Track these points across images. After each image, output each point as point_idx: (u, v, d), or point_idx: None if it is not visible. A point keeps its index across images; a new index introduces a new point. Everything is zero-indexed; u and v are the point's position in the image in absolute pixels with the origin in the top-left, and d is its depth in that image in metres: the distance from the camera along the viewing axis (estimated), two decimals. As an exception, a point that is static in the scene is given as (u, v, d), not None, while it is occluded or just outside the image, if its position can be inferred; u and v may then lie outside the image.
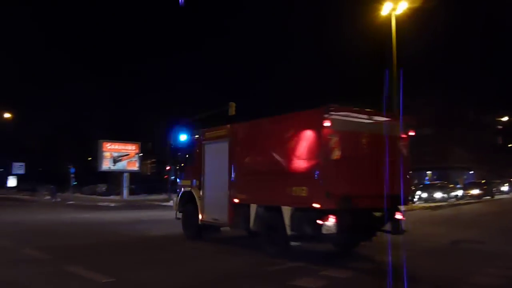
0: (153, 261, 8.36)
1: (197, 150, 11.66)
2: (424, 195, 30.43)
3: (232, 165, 10.19)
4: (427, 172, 53.05)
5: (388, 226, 8.70)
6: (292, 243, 8.77)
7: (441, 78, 45.07)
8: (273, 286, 6.17)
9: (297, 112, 8.99)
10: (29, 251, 9.10)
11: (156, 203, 30.15)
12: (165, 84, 56.91)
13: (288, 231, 8.43)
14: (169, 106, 45.42)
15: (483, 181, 39.82)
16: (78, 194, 38.84)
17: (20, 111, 48.23)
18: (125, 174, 35.74)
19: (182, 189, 12.20)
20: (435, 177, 50.01)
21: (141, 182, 41.04)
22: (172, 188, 31.77)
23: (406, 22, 23.75)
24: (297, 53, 53.32)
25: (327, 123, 7.95)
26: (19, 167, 44.29)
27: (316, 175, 7.97)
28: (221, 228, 11.14)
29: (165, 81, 60.23)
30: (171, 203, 29.00)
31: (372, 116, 8.82)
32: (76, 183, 40.09)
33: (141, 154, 38.07)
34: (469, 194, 34.28)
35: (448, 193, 31.57)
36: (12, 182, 46.77)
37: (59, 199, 33.69)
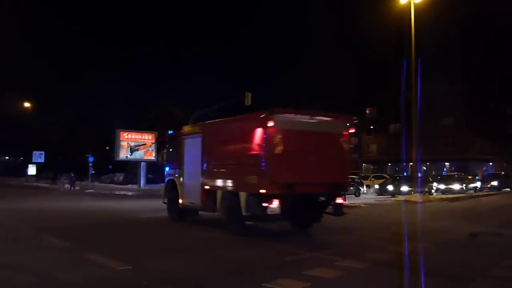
0: (170, 249, 8.46)
1: (179, 143, 13.42)
2: (442, 186, 30.10)
3: (204, 157, 11.87)
4: (445, 164, 52.43)
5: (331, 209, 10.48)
6: (247, 222, 10.41)
7: (461, 67, 44.26)
8: (290, 275, 6.18)
9: (249, 113, 11.21)
10: (50, 238, 9.28)
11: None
12: (183, 75, 57.07)
13: (244, 212, 10.10)
14: (187, 96, 45.58)
15: (502, 173, 39.19)
16: (96, 183, 39.37)
17: (40, 100, 49.11)
18: (142, 164, 36.08)
19: (168, 177, 13.97)
20: (453, 168, 49.41)
21: (158, 172, 41.39)
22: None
23: (425, 10, 23.33)
24: (317, 44, 52.94)
25: (270, 123, 9.48)
26: (39, 156, 44.98)
27: (262, 166, 9.52)
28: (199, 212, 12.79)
29: (182, 72, 60.37)
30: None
31: (314, 116, 10.39)
32: (94, 172, 40.63)
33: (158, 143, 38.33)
34: (488, 186, 33.79)
35: (466, 184, 31.17)
36: (32, 170, 47.57)
37: (78, 188, 34.20)
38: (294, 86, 47.33)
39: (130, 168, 40.49)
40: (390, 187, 28.23)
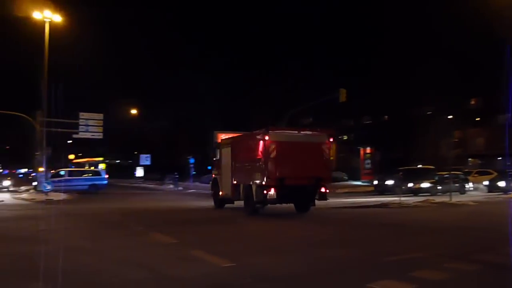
0: (269, 247, 8.59)
1: (219, 152, 17.93)
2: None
3: (232, 161, 16.43)
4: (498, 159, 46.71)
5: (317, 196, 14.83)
6: (256, 206, 14.73)
7: None
8: (394, 276, 5.95)
9: (254, 131, 15.52)
10: (158, 235, 9.88)
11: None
12: (277, 73, 57.62)
13: (254, 199, 14.69)
14: (281, 94, 45.95)
15: None
16: (197, 183, 41.18)
17: (144, 107, 52.45)
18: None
19: (213, 176, 18.93)
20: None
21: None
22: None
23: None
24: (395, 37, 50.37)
25: (267, 137, 14.10)
26: (145, 159, 48.20)
27: (263, 167, 14.11)
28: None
29: (276, 71, 60.96)
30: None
31: (300, 131, 15.25)
32: (195, 173, 42.57)
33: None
34: None
35: None
36: (139, 172, 51.14)
37: (181, 188, 36.08)
38: (389, 80, 45.48)
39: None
40: (501, 183, 25.95)
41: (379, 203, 18.51)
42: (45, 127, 28.74)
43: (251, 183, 15.00)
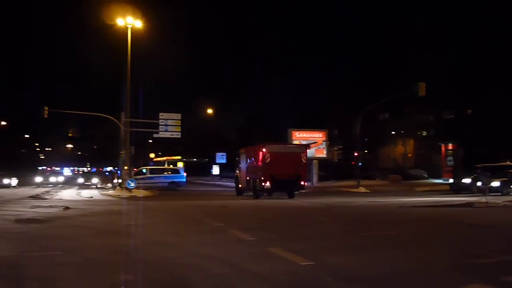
0: (347, 246, 8.41)
1: (239, 157, 26.62)
2: None
3: (246, 164, 24.80)
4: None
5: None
6: (259, 193, 22.15)
7: None
8: (486, 280, 5.57)
9: (257, 145, 23.46)
10: (236, 232, 10.03)
11: (345, 189, 30.33)
12: (350, 69, 56.51)
13: (258, 188, 22.22)
14: (355, 91, 45.03)
15: None
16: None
17: (221, 106, 53.71)
18: (314, 161, 36.77)
19: (236, 174, 27.11)
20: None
21: (330, 169, 41.77)
22: (361, 174, 31.56)
23: None
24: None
25: (264, 149, 22.16)
26: (221, 157, 49.39)
27: (261, 168, 21.89)
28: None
29: (349, 66, 59.74)
30: (360, 189, 28.90)
31: (287, 145, 27.52)
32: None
33: (328, 141, 38.65)
34: None
35: None
36: (216, 170, 52.49)
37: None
38: (472, 72, 42.84)
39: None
40: None
41: (463, 202, 17.60)
42: (128, 128, 30.35)
43: (256, 178, 22.84)
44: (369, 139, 50.42)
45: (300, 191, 22.93)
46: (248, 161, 24.46)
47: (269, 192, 22.08)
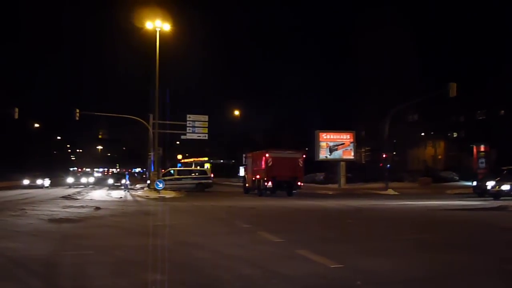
0: (379, 249, 8.29)
1: (246, 160, 30.93)
2: None
3: (251, 166, 29.17)
4: None
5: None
6: (262, 191, 26.52)
7: None
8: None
9: (261, 151, 28.19)
10: (264, 233, 10.03)
11: (373, 191, 29.92)
12: (378, 68, 55.77)
13: (262, 187, 26.56)
14: (383, 92, 44.46)
15: None
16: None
17: (248, 108, 53.91)
18: (341, 163, 36.45)
19: (243, 174, 31.97)
20: None
21: (357, 171, 41.30)
22: (390, 176, 31.09)
23: None
24: None
25: (267, 154, 26.40)
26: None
27: (264, 170, 26.14)
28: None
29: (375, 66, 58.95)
30: (389, 191, 28.47)
31: (286, 151, 28.40)
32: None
33: (355, 142, 38.24)
34: None
35: None
36: (242, 171, 52.53)
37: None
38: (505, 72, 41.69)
39: (330, 168, 41.32)
40: None
41: (496, 205, 17.15)
42: (157, 129, 30.78)
43: (260, 179, 26.99)
44: (398, 140, 49.62)
45: (298, 190, 26.75)
46: (254, 164, 28.94)
47: (271, 190, 26.44)
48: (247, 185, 29.66)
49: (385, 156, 32.52)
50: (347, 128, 38.68)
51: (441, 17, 58.96)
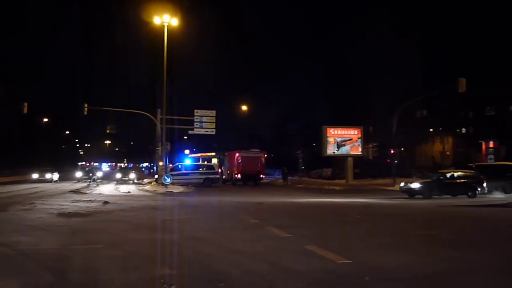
0: (387, 244, 8.27)
1: (224, 158, 42.25)
2: None
3: (228, 163, 39.67)
4: None
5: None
6: (234, 182, 37.06)
7: None
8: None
9: (233, 151, 39.28)
10: (272, 228, 10.05)
11: (381, 187, 29.83)
12: (386, 63, 55.42)
13: (234, 178, 37.29)
14: (391, 87, 44.23)
15: None
16: (306, 178, 41.27)
17: (254, 103, 53.90)
18: (349, 159, 36.37)
19: (221, 170, 39.21)
20: None
21: (365, 166, 41.18)
22: (397, 172, 30.97)
23: None
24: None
25: (237, 154, 37.65)
26: (256, 153, 49.43)
27: (235, 165, 37.11)
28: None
29: (387, 61, 58.61)
30: (396, 187, 28.35)
31: (252, 151, 39.75)
32: (304, 167, 42.71)
33: (363, 138, 38.10)
34: None
35: None
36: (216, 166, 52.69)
37: (289, 183, 36.51)
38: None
39: (337, 163, 41.25)
40: None
41: (505, 202, 17.07)
42: (164, 124, 30.85)
43: (232, 172, 37.16)
44: (406, 136, 49.37)
45: (260, 181, 37.28)
46: (229, 161, 39.15)
47: (241, 181, 36.41)
48: (223, 177, 38.90)
49: (393, 152, 32.39)
50: (354, 124, 38.57)
51: (451, 11, 58.38)
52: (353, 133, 36.80)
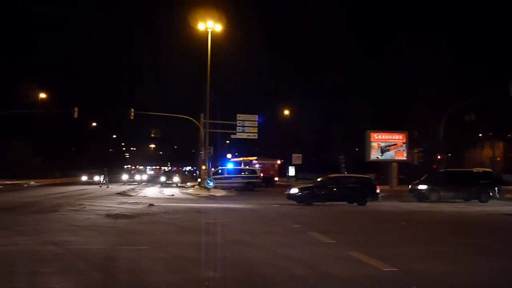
0: (433, 253, 8.03)
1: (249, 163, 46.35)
2: None
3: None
4: None
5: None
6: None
7: None
8: None
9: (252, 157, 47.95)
10: (315, 234, 9.97)
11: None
12: (433, 66, 53.92)
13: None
14: (438, 91, 43.00)
15: None
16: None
17: (295, 108, 53.72)
18: (393, 164, 35.56)
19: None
20: None
21: (410, 172, 40.11)
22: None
23: None
24: None
25: (255, 161, 44.46)
26: (297, 158, 49.18)
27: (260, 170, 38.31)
28: None
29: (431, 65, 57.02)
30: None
31: (267, 158, 45.38)
32: (346, 172, 42.10)
33: (408, 143, 37.16)
34: None
35: None
36: (292, 171, 52.44)
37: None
38: None
39: (380, 169, 40.42)
40: None
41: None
42: (207, 129, 31.27)
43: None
44: (453, 141, 47.79)
45: (275, 183, 41.03)
46: (249, 166, 42.39)
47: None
48: None
49: (440, 158, 31.46)
50: (398, 128, 37.67)
51: (504, 12, 56.24)
52: (398, 138, 35.96)
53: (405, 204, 20.07)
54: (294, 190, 19.69)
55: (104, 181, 35.15)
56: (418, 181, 23.85)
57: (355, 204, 18.98)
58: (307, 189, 19.94)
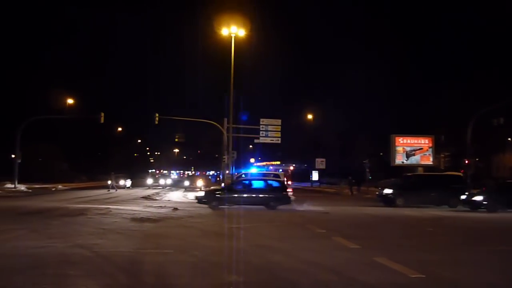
0: (459, 260, 7.86)
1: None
2: None
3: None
4: None
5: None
6: None
7: None
8: None
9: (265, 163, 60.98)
10: (340, 239, 9.88)
11: (454, 199, 28.36)
12: (459, 68, 52.98)
13: None
14: (465, 94, 42.19)
15: None
16: (373, 188, 40.18)
17: (318, 112, 53.49)
18: (419, 169, 34.95)
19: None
20: None
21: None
22: (472, 184, 29.32)
23: None
24: None
25: (271, 167, 55.12)
26: (320, 163, 48.89)
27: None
28: None
29: (458, 69, 56.05)
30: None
31: (283, 163, 60.34)
32: (370, 177, 41.67)
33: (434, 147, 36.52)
34: None
35: None
36: (315, 176, 52.18)
37: (355, 192, 35.75)
38: None
39: (406, 173, 39.80)
40: None
41: None
42: (231, 133, 31.40)
43: None
44: (481, 145, 46.71)
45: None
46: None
47: None
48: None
49: (468, 162, 30.73)
50: (424, 132, 37.04)
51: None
52: (424, 142, 35.33)
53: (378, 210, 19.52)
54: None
55: (112, 185, 35.25)
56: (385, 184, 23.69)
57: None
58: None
